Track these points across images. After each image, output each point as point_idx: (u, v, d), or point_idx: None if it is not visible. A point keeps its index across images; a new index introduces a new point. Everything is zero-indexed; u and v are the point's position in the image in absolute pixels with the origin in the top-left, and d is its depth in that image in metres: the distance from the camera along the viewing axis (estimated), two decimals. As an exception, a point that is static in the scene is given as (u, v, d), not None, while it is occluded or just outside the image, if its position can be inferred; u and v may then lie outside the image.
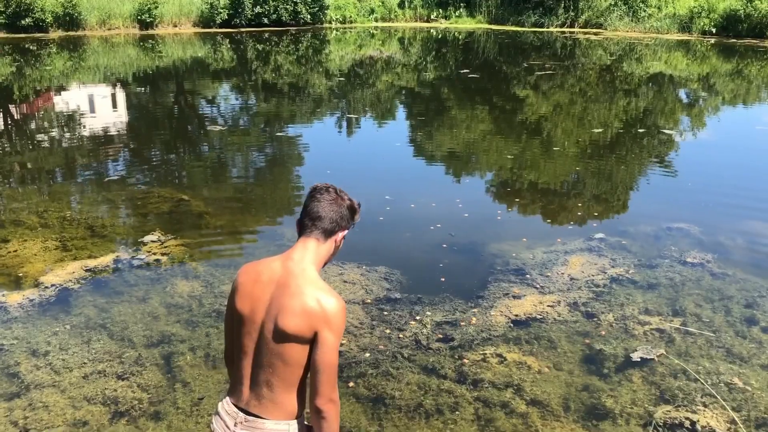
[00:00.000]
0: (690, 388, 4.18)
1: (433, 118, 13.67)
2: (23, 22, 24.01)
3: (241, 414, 2.33)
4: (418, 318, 5.07)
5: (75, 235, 6.55)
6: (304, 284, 2.25)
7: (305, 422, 2.40)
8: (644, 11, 29.45)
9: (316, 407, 2.23)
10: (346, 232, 2.44)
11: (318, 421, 2.26)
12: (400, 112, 15.40)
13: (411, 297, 5.41)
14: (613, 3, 30.27)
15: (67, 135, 11.76)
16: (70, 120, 13.03)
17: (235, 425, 2.33)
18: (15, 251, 6.12)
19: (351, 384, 4.24)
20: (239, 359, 2.34)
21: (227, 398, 2.40)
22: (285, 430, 2.31)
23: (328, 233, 2.37)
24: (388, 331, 4.89)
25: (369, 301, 5.33)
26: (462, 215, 7.57)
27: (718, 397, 4.04)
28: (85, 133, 11.85)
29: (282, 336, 2.22)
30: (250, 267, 2.39)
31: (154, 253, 6.13)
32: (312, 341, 2.23)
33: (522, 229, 7.24)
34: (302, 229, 2.38)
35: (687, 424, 3.80)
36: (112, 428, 3.74)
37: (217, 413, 2.42)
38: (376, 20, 32.56)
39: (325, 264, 2.43)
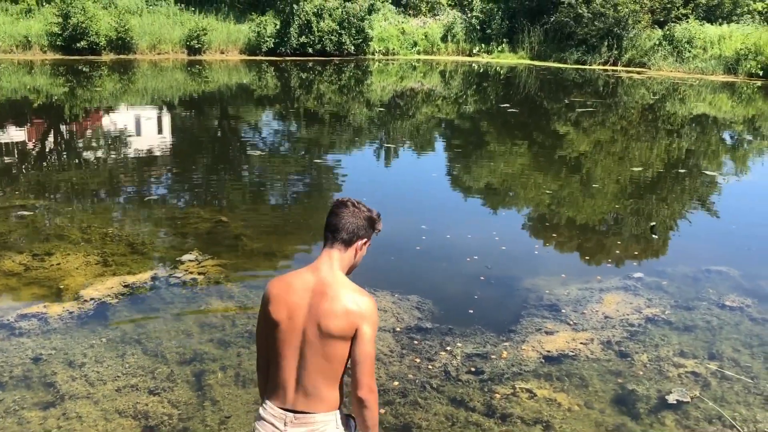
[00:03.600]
0: (725, 434, 4.07)
1: (472, 150, 13.71)
2: (78, 44, 24.90)
3: (289, 414, 2.52)
4: (448, 349, 5.05)
5: (116, 251, 6.71)
6: (339, 288, 2.51)
7: (345, 411, 2.63)
8: (689, 52, 29.18)
9: (359, 397, 2.49)
10: (366, 240, 2.67)
11: (361, 411, 2.52)
12: (439, 143, 15.49)
13: (442, 327, 5.40)
14: (657, 43, 30.10)
15: (113, 155, 12.10)
16: (117, 140, 13.41)
17: (285, 425, 2.52)
18: (58, 264, 6.29)
19: (383, 410, 4.23)
20: (278, 365, 2.55)
21: (268, 403, 2.58)
22: (332, 419, 2.54)
23: (348, 243, 2.60)
24: (417, 360, 4.88)
25: (399, 329, 5.33)
26: (498, 248, 7.54)
27: (755, 445, 3.92)
28: (130, 153, 12.17)
29: (327, 337, 2.47)
30: (280, 280, 2.62)
31: (191, 272, 6.25)
32: (353, 338, 2.49)
33: (558, 265, 7.18)
34: (325, 242, 2.63)
35: (721, 471, 3.69)
36: (142, 442, 3.79)
37: (261, 419, 2.59)
38: (419, 53, 32.91)
39: (350, 272, 2.66)
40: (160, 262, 6.59)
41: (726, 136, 17.30)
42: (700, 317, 5.76)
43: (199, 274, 6.24)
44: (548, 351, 5.05)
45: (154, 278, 6.11)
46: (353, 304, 2.49)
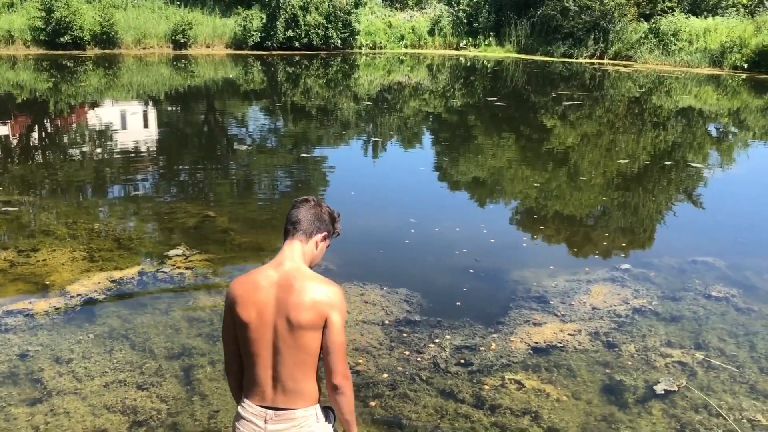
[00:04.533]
0: (712, 423, 4.11)
1: (460, 144, 13.72)
2: (62, 39, 24.67)
3: (269, 411, 2.52)
4: (437, 341, 5.06)
5: (102, 246, 6.67)
6: (305, 280, 2.51)
7: (323, 405, 2.64)
8: (675, 45, 29.32)
9: (334, 384, 2.51)
10: (326, 235, 2.69)
11: (337, 398, 2.54)
12: (427, 137, 15.49)
13: (431, 320, 5.41)
14: (643, 36, 30.22)
15: (99, 150, 12.01)
16: (102, 135, 13.31)
17: (265, 422, 2.52)
18: (44, 260, 6.24)
19: (372, 403, 4.24)
20: (254, 364, 2.53)
21: (247, 401, 2.56)
22: (312, 414, 2.55)
23: (309, 234, 2.63)
24: (406, 353, 4.89)
25: (388, 322, 5.34)
26: (487, 241, 7.56)
27: (741, 433, 3.96)
28: (116, 148, 12.08)
29: (298, 329, 2.47)
30: (243, 280, 2.60)
31: (179, 267, 6.22)
32: (324, 327, 2.49)
33: (546, 257, 7.21)
34: (286, 234, 2.65)
35: (708, 459, 3.73)
36: (130, 437, 3.78)
37: (241, 418, 2.58)
38: (406, 47, 32.86)
39: (312, 267, 2.65)
40: (147, 257, 6.55)
41: (711, 128, 17.42)
42: (687, 308, 5.81)
43: (187, 269, 6.21)
44: (536, 342, 5.07)
45: (141, 273, 6.07)
46: (321, 295, 2.50)
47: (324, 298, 2.50)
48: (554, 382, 4.56)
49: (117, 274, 5.97)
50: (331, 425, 2.66)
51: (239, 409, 2.60)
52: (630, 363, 4.83)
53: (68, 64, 23.00)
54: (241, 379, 2.67)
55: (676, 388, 4.45)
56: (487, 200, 9.89)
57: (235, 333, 2.58)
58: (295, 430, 2.54)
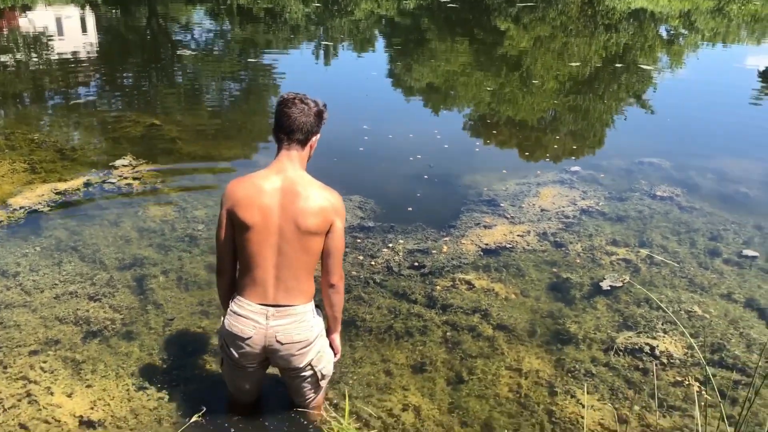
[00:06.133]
0: (652, 315, 4.31)
1: (413, 49, 13.45)
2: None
3: (270, 308, 2.71)
4: (390, 245, 5.12)
5: (44, 158, 6.44)
6: (309, 187, 2.69)
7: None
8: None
9: (331, 284, 2.82)
10: (319, 136, 2.81)
11: (332, 296, 2.85)
12: (380, 41, 15.13)
13: (384, 225, 5.44)
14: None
15: (35, 58, 11.40)
16: (38, 42, 12.62)
17: (267, 319, 2.71)
18: (-18, 173, 6.00)
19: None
20: (255, 265, 2.69)
21: (244, 300, 2.74)
22: (310, 309, 2.80)
23: (304, 142, 2.75)
24: (360, 257, 4.94)
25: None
26: (441, 147, 7.56)
27: (679, 324, 4.17)
28: (54, 56, 11.49)
29: (306, 234, 2.66)
30: (244, 182, 2.72)
31: (126, 178, 6.06)
32: (327, 232, 2.71)
33: (499, 161, 7.26)
34: (280, 143, 2.74)
35: (647, 349, 3.93)
36: (85, 347, 3.76)
37: (238, 315, 2.74)
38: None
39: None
40: (93, 167, 6.36)
41: (662, 30, 17.43)
42: (633, 207, 5.97)
43: (134, 179, 6.06)
44: (486, 244, 5.17)
45: (87, 185, 5.90)
46: (326, 201, 2.68)
47: (329, 204, 2.69)
48: (503, 281, 4.69)
49: (61, 186, 5.79)
50: (321, 319, 2.91)
51: (234, 307, 2.76)
52: (577, 261, 4.98)
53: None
54: (234, 280, 2.85)
55: (621, 284, 4.63)
56: (440, 106, 9.82)
57: (232, 234, 2.73)
58: (296, 324, 2.74)
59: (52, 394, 3.38)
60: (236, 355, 2.81)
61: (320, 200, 2.67)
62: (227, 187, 2.75)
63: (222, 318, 2.88)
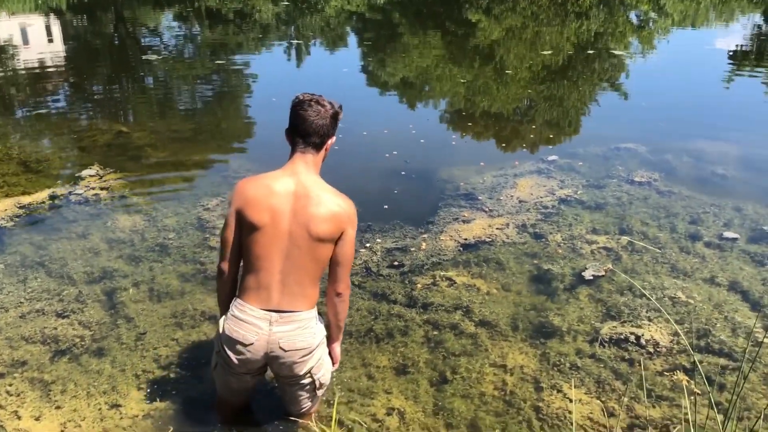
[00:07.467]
0: (636, 303, 4.25)
1: (385, 43, 13.34)
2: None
3: (273, 314, 2.63)
4: (368, 245, 5.01)
5: (6, 171, 6.23)
6: (322, 193, 2.63)
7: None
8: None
9: (338, 292, 2.76)
10: (334, 138, 2.74)
11: (338, 305, 2.80)
12: (351, 38, 15.00)
13: (361, 225, 5.29)
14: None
15: (-2, 68, 11.14)
16: (1, 52, 12.33)
17: (270, 324, 2.63)
18: (-57, 190, 5.80)
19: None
20: (261, 268, 2.61)
21: (246, 304, 2.64)
22: (313, 316, 2.73)
23: (320, 146, 2.69)
24: (337, 259, 4.81)
25: (318, 229, 5.22)
26: (417, 142, 7.45)
27: (663, 311, 4.11)
28: (19, 65, 11.23)
29: (317, 240, 2.59)
30: (255, 182, 2.65)
31: (93, 188, 5.89)
32: (338, 239, 2.66)
33: (475, 154, 7.18)
34: (295, 145, 2.68)
35: (632, 338, 3.86)
36: (53, 367, 3.61)
37: (239, 320, 2.64)
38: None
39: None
40: (58, 179, 6.17)
41: (632, 15, 17.48)
42: (611, 194, 5.91)
43: (102, 189, 5.88)
44: (466, 239, 5.08)
45: (52, 197, 5.72)
46: (338, 208, 2.63)
47: (341, 211, 2.63)
48: (484, 276, 4.60)
49: (25, 199, 5.60)
50: (323, 326, 2.84)
51: (235, 311, 2.66)
52: (558, 252, 4.91)
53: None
54: (235, 282, 2.77)
55: (603, 273, 4.56)
56: (415, 100, 9.72)
57: (239, 235, 2.65)
58: (299, 331, 2.67)
59: (19, 418, 3.23)
60: (235, 361, 2.70)
61: (333, 206, 2.62)
62: (237, 186, 2.69)
63: (220, 321, 2.76)
